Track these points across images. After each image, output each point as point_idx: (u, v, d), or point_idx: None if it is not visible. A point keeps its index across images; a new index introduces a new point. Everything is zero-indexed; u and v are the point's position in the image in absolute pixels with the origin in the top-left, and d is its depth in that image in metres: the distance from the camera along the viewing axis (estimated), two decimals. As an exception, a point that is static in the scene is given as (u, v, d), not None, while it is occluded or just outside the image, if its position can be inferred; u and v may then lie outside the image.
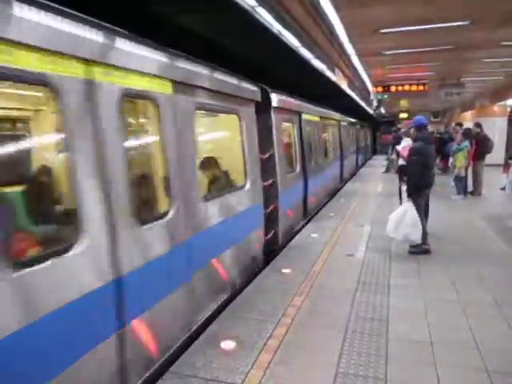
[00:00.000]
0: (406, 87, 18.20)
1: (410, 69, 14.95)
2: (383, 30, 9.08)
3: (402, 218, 6.45)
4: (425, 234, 6.68)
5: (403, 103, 26.31)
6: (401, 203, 8.45)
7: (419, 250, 6.71)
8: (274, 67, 9.88)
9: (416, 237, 6.48)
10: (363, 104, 22.26)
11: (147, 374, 3.44)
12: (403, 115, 32.27)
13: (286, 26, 7.41)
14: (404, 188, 8.08)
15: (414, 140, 6.86)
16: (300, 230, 8.81)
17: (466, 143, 11.75)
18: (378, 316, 4.56)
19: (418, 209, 6.51)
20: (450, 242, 7.46)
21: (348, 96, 16.92)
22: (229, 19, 6.71)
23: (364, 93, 20.26)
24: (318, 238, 7.93)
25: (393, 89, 18.00)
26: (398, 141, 13.29)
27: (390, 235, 6.69)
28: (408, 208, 6.51)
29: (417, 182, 6.54)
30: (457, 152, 11.69)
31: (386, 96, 19.72)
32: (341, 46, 10.40)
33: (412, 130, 7.05)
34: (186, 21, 6.55)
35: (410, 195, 6.61)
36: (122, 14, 4.33)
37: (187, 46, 4.67)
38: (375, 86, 18.59)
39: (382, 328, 4.28)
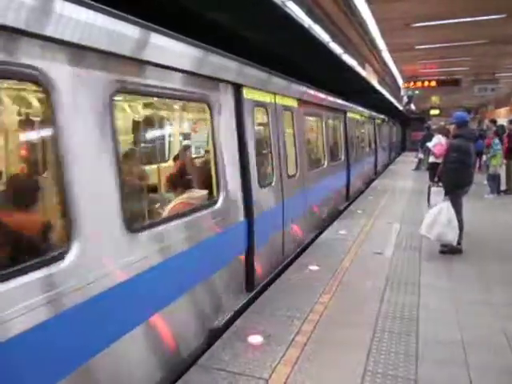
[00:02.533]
0: (438, 83, 17.79)
1: (442, 64, 14.63)
2: (415, 24, 8.91)
3: (438, 216, 6.24)
4: (459, 235, 6.50)
5: (434, 99, 25.77)
6: (429, 203, 8.20)
7: (451, 249, 6.55)
8: (304, 62, 9.82)
9: (452, 237, 6.26)
10: (393, 100, 21.88)
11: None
12: (434, 112, 31.57)
13: (316, 20, 7.35)
14: (433, 188, 7.88)
15: (454, 137, 6.66)
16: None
17: (496, 141, 11.43)
18: (407, 315, 4.48)
19: (455, 208, 6.32)
20: (482, 242, 7.26)
21: (378, 92, 16.67)
22: (259, 14, 6.71)
23: (394, 89, 19.92)
24: (345, 234, 7.85)
25: (424, 84, 17.62)
26: (428, 138, 13.02)
27: (424, 234, 6.52)
28: (444, 207, 6.29)
29: (455, 180, 6.35)
30: (496, 152, 11.36)
31: (416, 92, 19.33)
32: (372, 41, 10.26)
33: (452, 127, 6.82)
34: (214, 16, 6.59)
35: (447, 193, 6.43)
36: (150, 8, 4.37)
37: (217, 41, 4.67)
38: (406, 81, 18.23)
39: (411, 327, 4.21)
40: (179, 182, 4.83)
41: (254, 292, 5.06)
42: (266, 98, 5.77)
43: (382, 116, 20.68)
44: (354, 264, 6.18)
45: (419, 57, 12.82)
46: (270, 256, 5.73)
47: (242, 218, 4.85)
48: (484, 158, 12.41)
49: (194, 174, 5.24)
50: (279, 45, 8.04)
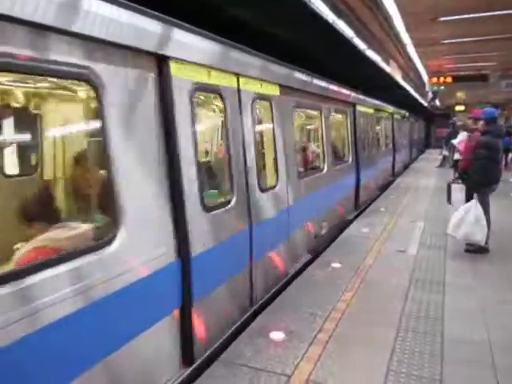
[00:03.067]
0: (464, 78, 17.40)
1: (469, 59, 14.29)
2: (442, 18, 8.71)
3: (465, 215, 6.08)
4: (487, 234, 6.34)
5: (460, 95, 25.25)
6: (449, 201, 8.01)
7: (477, 248, 6.40)
8: (326, 58, 9.72)
9: (480, 237, 6.09)
10: (417, 96, 21.50)
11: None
12: (459, 108, 30.91)
13: (340, 15, 7.26)
14: (454, 185, 7.71)
15: (483, 133, 6.48)
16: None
17: None
18: (432, 315, 4.41)
19: (482, 206, 6.15)
20: (509, 241, 7.08)
21: (402, 88, 16.40)
22: (282, 9, 6.66)
23: (418, 84, 19.57)
24: (368, 232, 7.77)
25: (450, 80, 17.25)
26: (453, 135, 12.76)
27: (450, 233, 6.37)
28: (472, 206, 6.12)
29: (484, 177, 6.20)
30: None
31: (442, 87, 18.93)
32: (396, 35, 10.09)
33: (481, 123, 6.62)
34: (236, 12, 6.57)
35: (475, 191, 6.26)
36: (172, 3, 4.36)
37: (239, 38, 4.64)
38: (431, 77, 17.89)
39: (436, 327, 4.13)
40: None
41: None
42: (221, 81, 4.06)
43: (403, 111, 20.10)
44: (377, 262, 6.11)
45: (445, 51, 12.54)
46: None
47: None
48: (511, 155, 12.07)
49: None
50: (302, 41, 7.98)
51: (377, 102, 12.87)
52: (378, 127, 13.17)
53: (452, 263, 6.06)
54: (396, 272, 5.69)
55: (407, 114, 21.79)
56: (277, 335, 3.98)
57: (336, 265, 5.96)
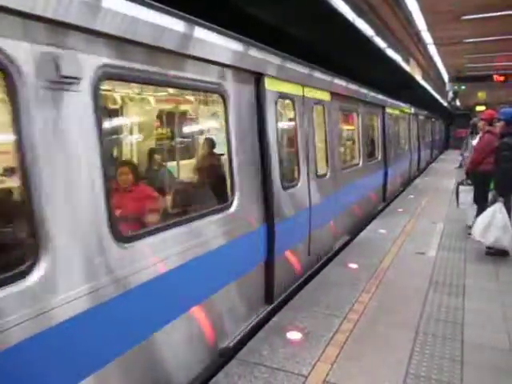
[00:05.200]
0: (486, 78, 17.07)
1: (491, 58, 14.02)
2: (465, 17, 8.53)
3: (492, 220, 5.92)
4: None
5: (481, 95, 24.78)
6: (458, 204, 7.88)
7: (498, 251, 6.27)
8: (346, 57, 9.64)
9: (507, 242, 5.95)
10: (437, 96, 21.19)
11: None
12: (480, 108, 30.33)
13: (360, 14, 7.19)
14: (462, 187, 7.56)
15: (503, 135, 6.33)
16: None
17: None
18: (452, 318, 4.34)
19: (508, 210, 6.01)
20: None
21: (422, 87, 16.18)
22: (301, 7, 6.63)
23: (439, 84, 19.28)
24: (386, 233, 7.68)
25: (471, 79, 16.94)
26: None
27: (478, 239, 6.20)
28: (497, 209, 5.95)
29: (509, 180, 6.04)
30: None
31: (463, 87, 18.61)
32: (417, 34, 9.95)
33: (500, 124, 6.47)
34: (256, 11, 6.56)
35: (501, 195, 6.09)
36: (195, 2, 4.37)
37: (259, 37, 4.62)
38: (452, 76, 17.60)
39: (456, 331, 4.06)
40: None
41: None
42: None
43: (425, 112, 19.92)
44: (395, 264, 6.03)
45: (468, 51, 12.30)
46: None
47: None
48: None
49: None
50: (322, 40, 7.93)
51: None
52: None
53: (472, 266, 5.95)
54: (415, 274, 5.62)
55: (429, 115, 21.52)
56: (294, 335, 3.96)
57: (353, 265, 5.91)
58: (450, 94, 24.00)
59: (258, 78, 4.32)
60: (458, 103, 31.29)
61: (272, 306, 4.59)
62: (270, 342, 3.84)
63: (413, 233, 7.76)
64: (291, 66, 5.22)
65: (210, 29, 3.56)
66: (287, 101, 5.33)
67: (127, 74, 2.79)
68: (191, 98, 6.31)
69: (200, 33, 3.42)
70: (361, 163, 8.47)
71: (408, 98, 15.69)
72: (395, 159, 11.95)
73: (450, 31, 9.59)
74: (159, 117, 7.05)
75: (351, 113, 8.64)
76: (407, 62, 11.88)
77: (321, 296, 4.86)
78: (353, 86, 7.98)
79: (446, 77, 17.81)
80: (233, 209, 3.87)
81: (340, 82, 7.20)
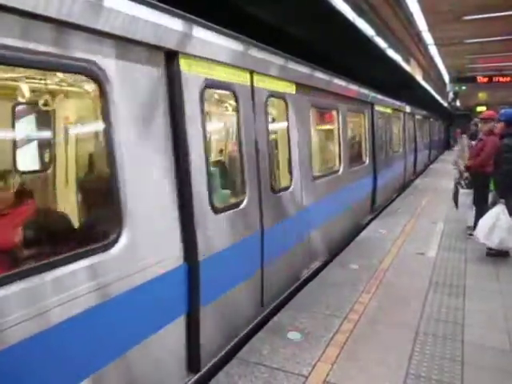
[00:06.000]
0: (487, 78, 17.08)
1: (492, 59, 14.02)
2: (466, 17, 8.53)
3: (496, 222, 5.88)
4: None
5: (481, 96, 24.81)
6: (456, 207, 7.89)
7: (498, 251, 6.26)
8: (346, 57, 9.63)
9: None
10: (437, 96, 21.18)
11: None
12: (480, 108, 30.34)
13: (361, 14, 7.19)
14: (462, 190, 7.58)
15: (502, 136, 6.32)
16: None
17: None
18: (452, 319, 4.33)
19: (509, 211, 5.97)
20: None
21: (422, 88, 16.17)
22: (302, 7, 6.62)
23: (439, 84, 19.28)
24: (386, 233, 7.68)
25: (471, 80, 16.95)
26: (475, 136, 12.51)
27: (482, 241, 6.15)
28: (501, 211, 5.92)
29: (510, 181, 6.02)
30: None
31: (463, 87, 18.62)
32: (418, 34, 9.96)
33: (499, 125, 6.46)
34: (255, 10, 6.53)
35: (502, 196, 6.11)
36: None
37: (258, 36, 4.60)
38: (452, 77, 17.60)
39: (457, 331, 4.06)
40: None
41: None
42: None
43: (423, 111, 19.70)
44: (395, 264, 6.03)
45: (469, 51, 12.31)
46: None
47: None
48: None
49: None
50: (322, 40, 7.92)
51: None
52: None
53: (473, 266, 5.94)
54: (415, 274, 5.61)
55: (427, 114, 21.43)
56: (294, 335, 3.96)
57: (353, 266, 5.90)
58: (451, 95, 24.01)
59: (171, 57, 3.08)
60: (458, 104, 31.27)
61: (199, 374, 3.37)
62: (270, 341, 3.84)
63: (413, 233, 7.75)
64: (229, 43, 3.83)
65: None
66: (223, 91, 4.20)
67: None
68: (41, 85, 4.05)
69: None
70: (341, 170, 7.11)
71: (408, 98, 15.70)
72: (387, 163, 10.81)
73: (450, 32, 9.59)
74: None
75: (329, 110, 7.43)
76: (408, 62, 11.88)
77: (321, 296, 4.86)
78: (330, 78, 6.71)
79: (446, 77, 17.82)
80: (119, 247, 2.61)
81: (312, 72, 5.92)
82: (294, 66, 5.28)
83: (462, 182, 7.67)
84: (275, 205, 4.66)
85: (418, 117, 16.99)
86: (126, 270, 2.65)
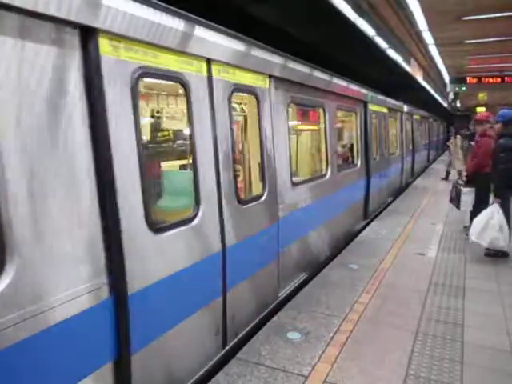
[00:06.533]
0: (487, 79, 17.08)
1: (492, 59, 14.01)
2: (467, 17, 8.52)
3: (489, 221, 5.92)
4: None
5: (481, 96, 24.78)
6: (458, 207, 7.89)
7: (497, 252, 6.26)
8: (346, 57, 9.63)
9: (504, 242, 5.96)
10: (437, 97, 21.18)
11: None
12: (480, 109, 30.34)
13: (361, 13, 7.18)
14: (464, 189, 7.58)
15: (500, 136, 6.34)
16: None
17: None
18: (452, 319, 4.33)
19: (504, 210, 6.00)
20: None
21: (422, 88, 16.16)
22: (302, 7, 6.62)
23: (439, 85, 19.27)
24: (386, 234, 7.67)
25: (472, 81, 16.95)
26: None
27: (474, 240, 6.17)
28: (494, 210, 5.96)
29: (506, 181, 6.02)
30: None
31: (464, 88, 18.60)
32: (418, 34, 9.94)
33: (498, 126, 6.48)
34: (256, 10, 6.53)
35: (497, 196, 6.10)
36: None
37: (258, 36, 4.58)
38: (453, 77, 17.60)
39: (456, 332, 4.06)
40: None
41: None
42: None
43: (422, 111, 19.17)
44: (395, 264, 6.02)
45: (469, 52, 12.30)
46: None
47: None
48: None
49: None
50: (323, 41, 7.92)
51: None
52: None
53: (472, 267, 5.94)
54: (415, 275, 5.61)
55: (427, 115, 21.38)
56: (293, 335, 3.96)
57: (353, 266, 5.90)
58: (451, 95, 24.01)
59: (88, 36, 2.40)
60: (458, 104, 31.28)
61: None
62: (270, 341, 3.84)
63: (413, 233, 7.75)
64: (175, 23, 3.05)
65: None
66: (167, 82, 3.47)
67: None
68: None
69: None
70: (328, 174, 6.38)
71: (408, 99, 15.68)
72: (382, 165, 10.14)
73: (450, 32, 9.58)
74: None
75: (313, 108, 6.83)
76: (408, 62, 11.87)
77: (321, 296, 4.86)
78: (315, 72, 5.96)
79: (446, 78, 17.82)
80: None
81: (291, 64, 5.16)
82: (268, 56, 4.56)
83: (461, 181, 7.69)
84: (241, 218, 3.96)
85: (416, 117, 16.63)
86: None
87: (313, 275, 5.61)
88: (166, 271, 2.97)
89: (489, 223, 5.91)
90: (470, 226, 6.58)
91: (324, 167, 6.50)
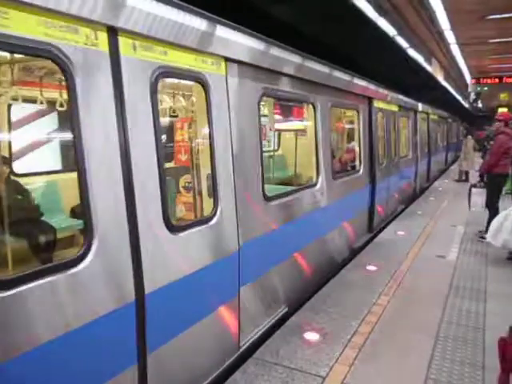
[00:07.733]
0: (509, 79, 16.75)
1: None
2: (491, 16, 8.36)
3: (504, 222, 5.83)
4: None
5: (503, 96, 24.30)
6: (469, 207, 7.77)
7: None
8: (367, 56, 9.54)
9: None
10: (458, 97, 20.83)
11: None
12: (502, 110, 29.77)
13: (383, 13, 7.11)
14: (474, 190, 7.47)
15: None
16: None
17: None
18: (473, 323, 4.25)
19: None
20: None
21: (442, 88, 15.91)
22: (324, 7, 6.58)
23: (460, 85, 18.96)
24: (405, 236, 7.58)
25: (494, 81, 16.64)
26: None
27: (489, 241, 6.10)
28: (509, 212, 5.89)
29: None
30: None
31: (485, 88, 18.25)
32: (440, 34, 9.78)
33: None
34: (276, 10, 6.53)
35: None
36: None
37: (279, 37, 4.54)
38: (474, 77, 17.29)
39: (477, 336, 3.99)
40: None
41: None
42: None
43: (440, 111, 17.91)
44: (415, 266, 5.95)
45: (492, 51, 12.06)
46: None
47: None
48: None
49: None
50: (343, 40, 7.86)
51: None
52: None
53: (494, 270, 5.83)
54: (434, 278, 5.53)
55: (445, 114, 20.84)
56: (311, 336, 3.94)
57: (371, 267, 5.85)
58: (472, 95, 23.60)
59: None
60: (480, 104, 30.72)
61: None
62: (287, 342, 3.83)
63: (432, 235, 7.64)
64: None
65: None
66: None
67: None
68: None
69: None
70: (319, 183, 5.27)
71: (428, 99, 15.43)
72: (391, 170, 8.90)
73: (473, 31, 9.41)
74: None
75: (299, 103, 5.94)
76: (429, 61, 11.71)
77: (338, 297, 4.83)
78: (300, 59, 4.85)
79: (468, 77, 17.51)
80: None
81: (264, 47, 4.04)
82: (224, 33, 3.42)
83: (478, 184, 7.60)
84: (171, 252, 2.88)
85: (433, 117, 15.41)
86: None
87: (300, 304, 4.71)
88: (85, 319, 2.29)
89: (503, 225, 5.81)
90: (485, 228, 6.49)
91: (314, 175, 5.35)
